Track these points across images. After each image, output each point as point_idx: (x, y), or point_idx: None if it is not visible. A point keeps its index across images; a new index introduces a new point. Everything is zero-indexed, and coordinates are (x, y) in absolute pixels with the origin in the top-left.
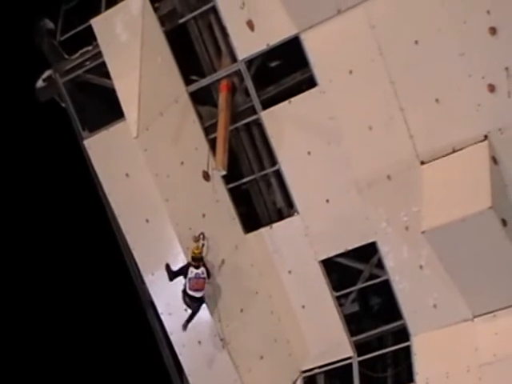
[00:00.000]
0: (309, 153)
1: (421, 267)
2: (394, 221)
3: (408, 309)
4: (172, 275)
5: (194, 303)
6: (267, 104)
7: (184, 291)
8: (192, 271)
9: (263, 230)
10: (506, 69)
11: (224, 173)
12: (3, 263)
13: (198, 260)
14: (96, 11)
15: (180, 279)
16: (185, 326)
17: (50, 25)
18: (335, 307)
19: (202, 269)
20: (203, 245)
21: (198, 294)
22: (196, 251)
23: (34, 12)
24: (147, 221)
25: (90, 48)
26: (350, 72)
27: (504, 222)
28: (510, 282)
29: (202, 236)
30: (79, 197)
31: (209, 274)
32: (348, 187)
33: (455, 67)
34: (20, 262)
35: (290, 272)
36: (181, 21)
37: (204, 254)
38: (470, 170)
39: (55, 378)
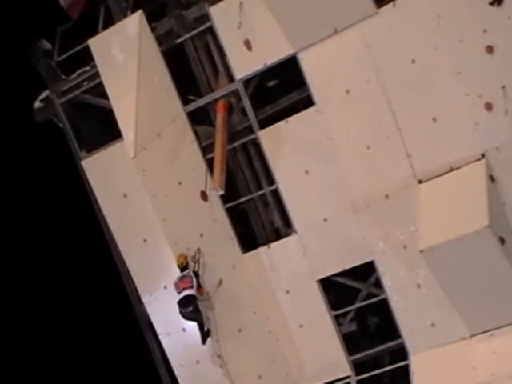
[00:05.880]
0: (306, 172)
1: (418, 286)
2: (392, 240)
3: (406, 328)
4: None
5: (188, 307)
6: (264, 124)
7: (178, 303)
8: (177, 276)
9: (261, 250)
10: (503, 87)
11: (222, 192)
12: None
13: (183, 270)
14: (93, 31)
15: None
16: (204, 341)
17: (47, 45)
18: (333, 326)
19: (188, 270)
20: (198, 259)
21: (187, 292)
22: (179, 261)
23: (31, 33)
24: (145, 241)
25: (87, 68)
26: (347, 91)
27: (502, 241)
28: (508, 300)
29: (198, 252)
30: (77, 217)
31: (198, 280)
32: (345, 206)
33: (452, 86)
34: (18, 283)
35: (287, 291)
36: (178, 41)
37: (196, 268)
38: (467, 189)
39: None
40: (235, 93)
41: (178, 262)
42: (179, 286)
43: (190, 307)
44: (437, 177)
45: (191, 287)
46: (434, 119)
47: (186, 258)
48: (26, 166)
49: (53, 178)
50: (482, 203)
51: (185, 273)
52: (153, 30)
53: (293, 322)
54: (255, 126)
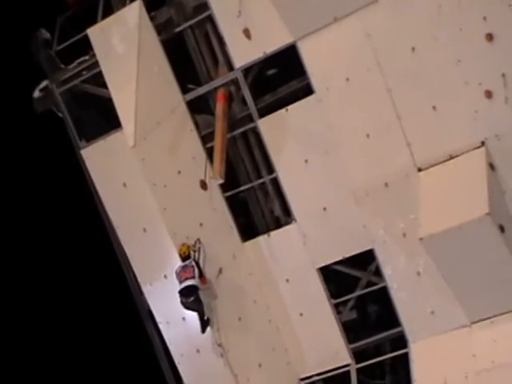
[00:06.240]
0: (306, 161)
1: (418, 274)
2: (392, 228)
3: (406, 316)
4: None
5: (189, 297)
6: (264, 112)
7: (179, 292)
8: (179, 266)
9: (261, 239)
10: (503, 75)
11: (221, 181)
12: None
13: (185, 259)
14: (92, 21)
15: (176, 285)
16: (203, 330)
17: (46, 35)
18: (333, 315)
19: (190, 259)
20: (198, 248)
21: (189, 282)
22: (181, 250)
23: (30, 22)
24: (145, 230)
25: (86, 58)
26: (347, 80)
27: (502, 228)
28: (508, 287)
29: (197, 242)
30: (76, 207)
31: (200, 270)
32: (345, 195)
33: (452, 74)
34: (17, 273)
35: (287, 280)
36: (177, 30)
37: (196, 257)
38: (467, 177)
39: None
40: (235, 81)
41: (181, 251)
42: (181, 275)
43: (191, 297)
44: (436, 165)
45: (193, 277)
46: (434, 107)
47: (188, 247)
48: (25, 155)
49: (52, 168)
50: (481, 191)
51: (187, 262)
52: (152, 19)
53: (293, 311)
54: (255, 114)
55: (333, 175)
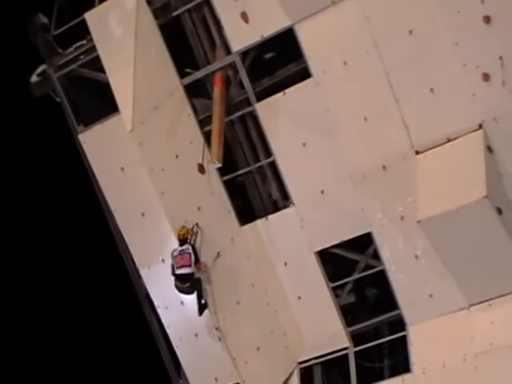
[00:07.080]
0: (304, 144)
1: (416, 257)
2: (390, 211)
3: (404, 299)
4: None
5: (185, 283)
6: (262, 96)
7: (173, 275)
8: (176, 249)
9: (259, 222)
10: (501, 58)
11: (219, 165)
12: None
13: (183, 243)
14: (90, 5)
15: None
16: (200, 312)
17: (44, 19)
18: (331, 298)
19: (187, 245)
20: (195, 232)
21: (185, 270)
22: (180, 232)
23: (28, 7)
24: (143, 214)
25: (84, 42)
26: (345, 63)
27: (499, 211)
28: (506, 270)
29: (195, 227)
30: (74, 191)
31: (196, 255)
32: (343, 178)
33: (449, 57)
34: (14, 257)
35: (285, 263)
36: (174, 14)
37: (192, 241)
38: (464, 160)
39: (50, 371)
40: (232, 65)
41: (179, 234)
42: (177, 261)
43: (187, 283)
44: (434, 148)
45: (189, 266)
46: (432, 90)
47: (187, 230)
48: (22, 140)
49: (50, 153)
50: (479, 174)
51: (184, 248)
52: (149, 3)
53: (291, 294)
54: (252, 98)
55: (330, 158)
